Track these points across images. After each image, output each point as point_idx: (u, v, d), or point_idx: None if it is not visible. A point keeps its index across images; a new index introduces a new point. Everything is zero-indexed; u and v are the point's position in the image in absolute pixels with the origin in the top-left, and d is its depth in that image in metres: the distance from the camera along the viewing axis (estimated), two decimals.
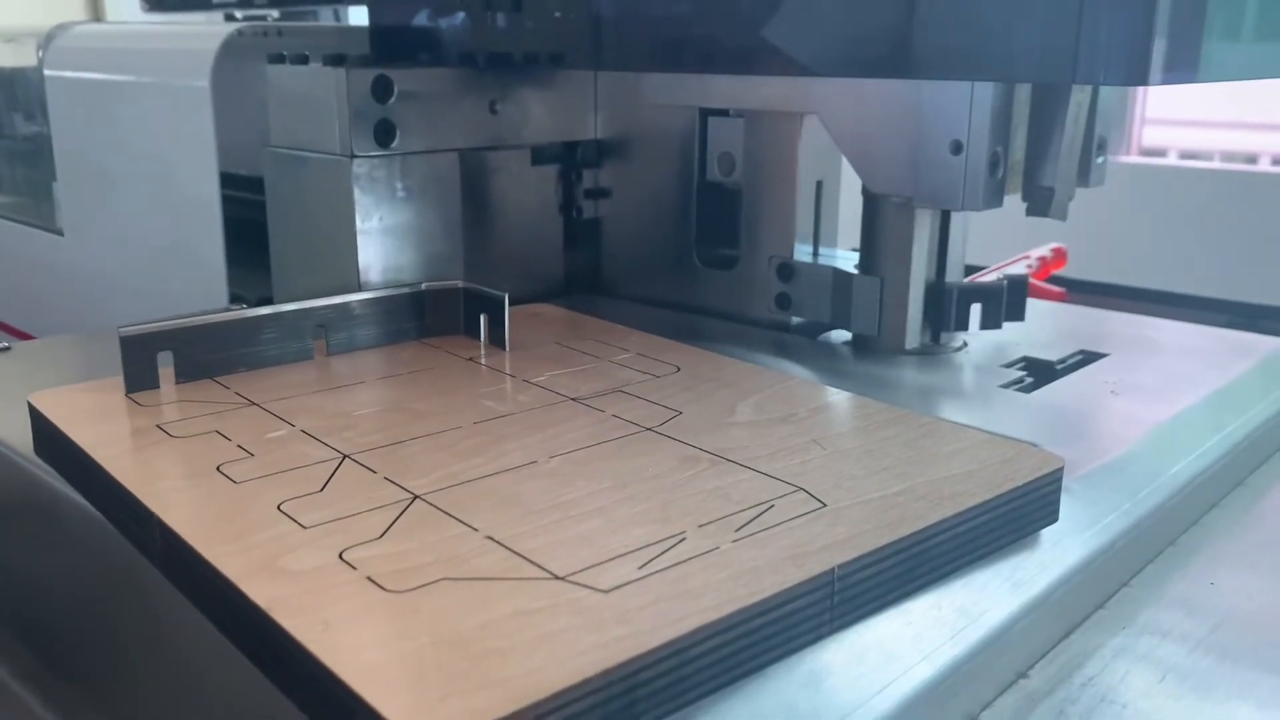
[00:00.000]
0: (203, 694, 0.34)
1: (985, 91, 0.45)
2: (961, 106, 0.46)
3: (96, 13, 2.51)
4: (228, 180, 0.67)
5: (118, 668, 0.39)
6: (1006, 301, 0.53)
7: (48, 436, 0.38)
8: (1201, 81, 0.44)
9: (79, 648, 0.41)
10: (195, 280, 0.70)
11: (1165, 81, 0.39)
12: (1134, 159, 1.83)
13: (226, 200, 0.67)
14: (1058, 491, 0.35)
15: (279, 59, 0.59)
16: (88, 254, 0.82)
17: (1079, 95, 0.47)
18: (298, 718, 0.25)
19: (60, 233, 0.83)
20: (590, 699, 0.23)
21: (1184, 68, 0.41)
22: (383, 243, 0.57)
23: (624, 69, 0.59)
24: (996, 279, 0.54)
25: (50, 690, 0.43)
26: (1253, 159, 1.86)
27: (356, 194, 0.55)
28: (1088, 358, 0.54)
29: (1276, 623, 0.36)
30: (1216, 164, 1.57)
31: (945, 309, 0.53)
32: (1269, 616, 0.37)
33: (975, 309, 0.53)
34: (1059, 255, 0.75)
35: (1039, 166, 0.48)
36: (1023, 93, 0.47)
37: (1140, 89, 2.03)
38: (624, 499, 0.32)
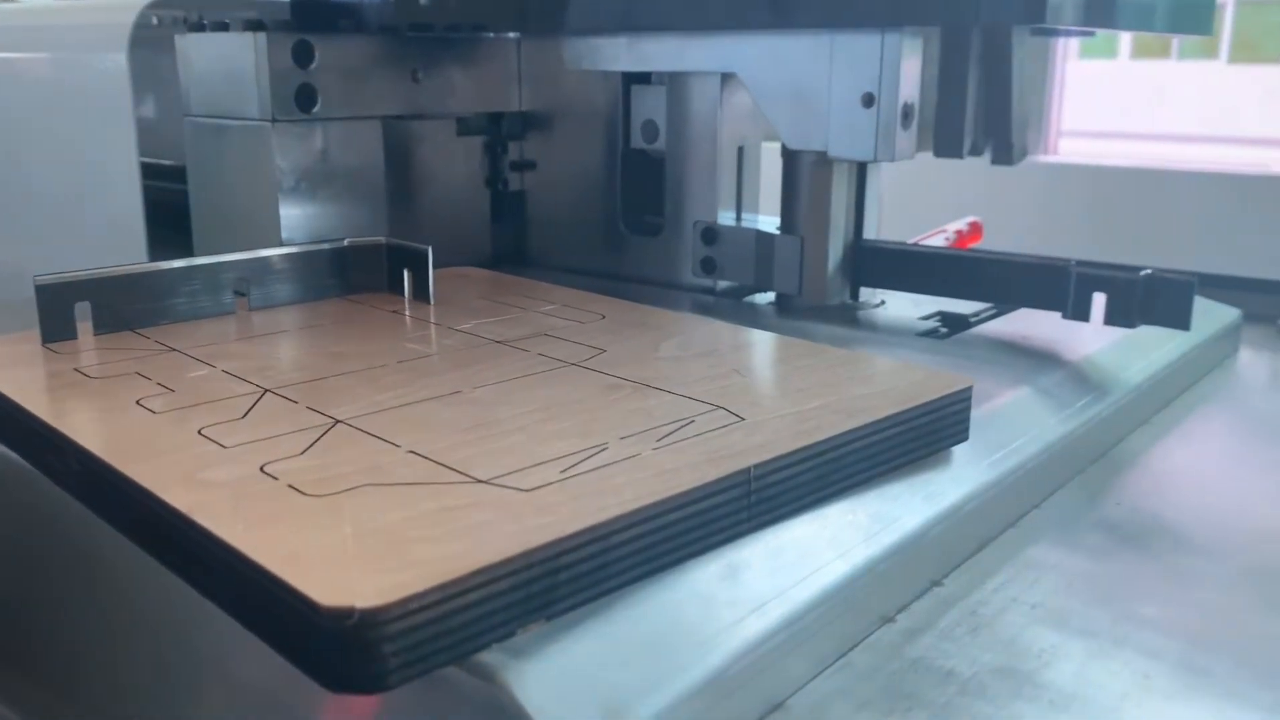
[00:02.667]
0: (135, 622, 0.33)
1: (895, 43, 0.47)
2: (872, 59, 0.47)
3: None
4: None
5: (43, 613, 0.38)
6: None
7: None
8: (1100, 28, 0.46)
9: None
10: (113, 259, 0.68)
11: (1062, 21, 0.41)
12: (1049, 158, 1.89)
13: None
14: (967, 410, 0.36)
15: (198, 27, 0.58)
16: None
17: (1020, 50, 0.48)
18: (223, 628, 0.25)
19: None
20: (511, 579, 0.23)
21: (1081, 13, 0.43)
22: (305, 211, 0.56)
23: (546, 33, 0.60)
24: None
25: None
26: None
27: (278, 159, 0.55)
28: (1001, 311, 0.55)
29: (1175, 535, 0.38)
30: (1120, 162, 1.64)
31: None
32: (1168, 529, 0.38)
33: None
34: (975, 229, 0.77)
35: (950, 116, 0.49)
36: (932, 48, 0.49)
37: (1057, 95, 2.09)
38: (546, 419, 0.32)
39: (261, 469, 0.28)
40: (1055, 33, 0.53)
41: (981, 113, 0.50)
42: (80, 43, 0.70)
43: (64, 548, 0.35)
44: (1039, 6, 0.40)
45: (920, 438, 0.34)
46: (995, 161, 0.51)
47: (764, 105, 0.52)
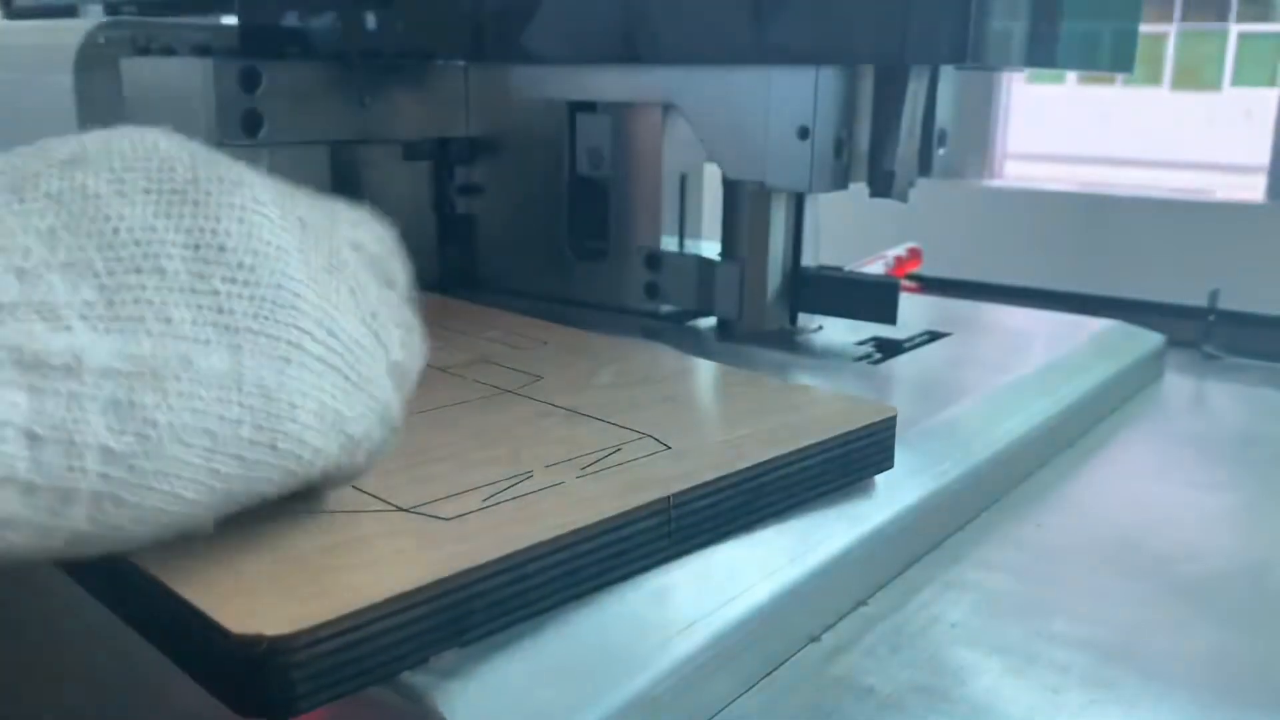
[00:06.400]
0: (55, 644, 0.33)
1: (829, 79, 0.48)
2: (807, 93, 0.48)
3: None
4: None
5: None
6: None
7: None
8: (1024, 67, 0.48)
9: None
10: None
11: (984, 62, 0.43)
12: (991, 182, 1.92)
13: None
14: (892, 438, 0.37)
15: (144, 51, 0.59)
16: None
17: (915, 83, 0.50)
18: (153, 657, 0.26)
19: None
20: (423, 608, 0.24)
21: (1004, 53, 0.45)
22: None
23: (493, 61, 0.61)
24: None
25: None
26: None
27: None
28: (933, 337, 0.57)
29: (1092, 556, 0.39)
30: (1059, 187, 1.67)
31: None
32: (1086, 550, 0.40)
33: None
34: (914, 254, 0.79)
35: (882, 150, 0.51)
36: (866, 83, 0.50)
37: (1001, 121, 2.14)
38: (475, 447, 0.33)
39: None
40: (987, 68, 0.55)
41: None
42: (26, 64, 0.70)
43: None
44: (961, 48, 0.41)
45: (844, 466, 0.35)
46: (874, 194, 0.52)
47: (703, 137, 0.53)
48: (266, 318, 0.22)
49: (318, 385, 0.23)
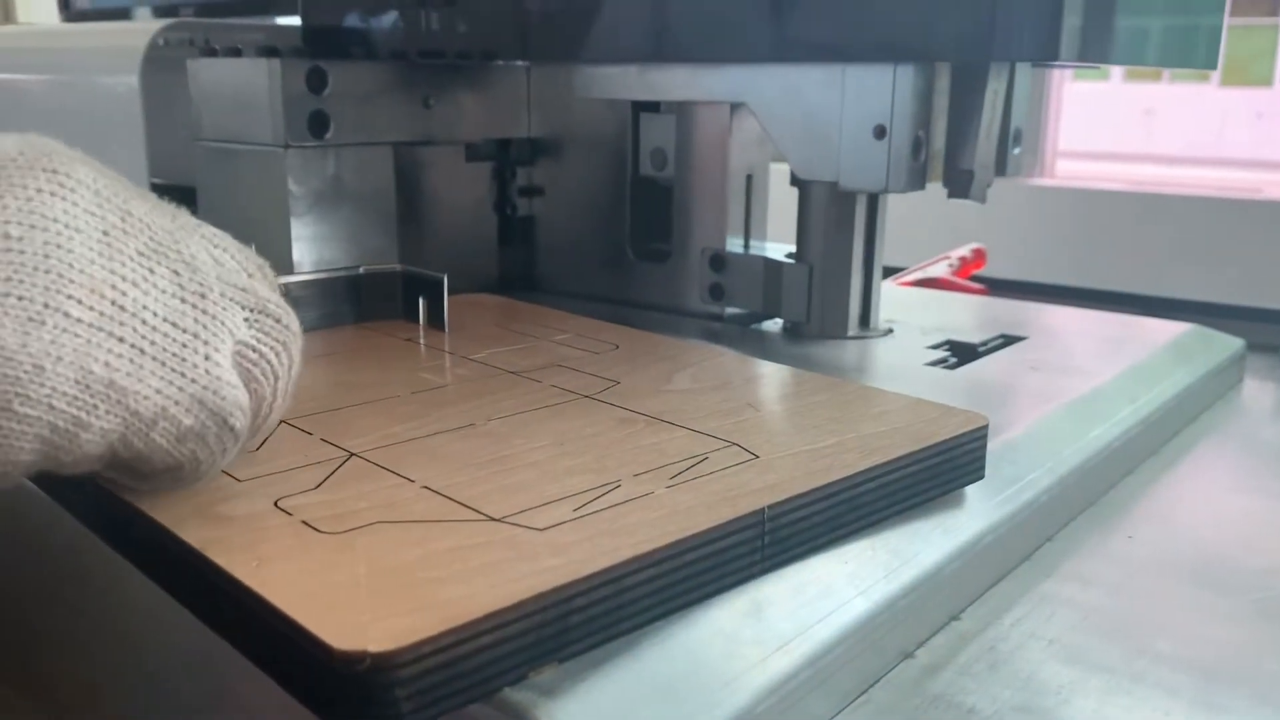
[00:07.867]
0: (140, 652, 0.33)
1: (907, 76, 0.47)
2: (884, 91, 0.47)
3: (6, 16, 2.39)
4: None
5: (56, 643, 0.38)
6: None
7: None
8: (1109, 63, 0.46)
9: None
10: None
11: (1074, 58, 0.41)
12: (1049, 182, 1.88)
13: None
14: (983, 448, 0.36)
15: (210, 53, 0.59)
16: None
17: (995, 82, 0.49)
18: (235, 666, 0.25)
19: None
20: (523, 623, 0.23)
21: (1091, 49, 0.43)
22: (317, 235, 0.57)
23: (555, 61, 0.60)
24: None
25: None
26: None
27: (290, 184, 0.55)
28: (1008, 340, 0.55)
29: (1187, 569, 0.38)
30: (1121, 186, 1.63)
31: None
32: (1180, 563, 0.38)
33: None
34: (979, 255, 0.77)
35: (959, 150, 0.49)
36: (943, 81, 0.49)
37: (1053, 117, 2.09)
38: (560, 454, 0.32)
39: (275, 504, 0.28)
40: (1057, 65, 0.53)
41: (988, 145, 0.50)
42: (93, 65, 0.70)
43: (79, 578, 0.35)
44: (1053, 44, 0.40)
45: (935, 477, 0.34)
46: (952, 195, 0.50)
47: (774, 135, 0.52)
48: (21, 281, 0.22)
49: (84, 352, 0.23)
